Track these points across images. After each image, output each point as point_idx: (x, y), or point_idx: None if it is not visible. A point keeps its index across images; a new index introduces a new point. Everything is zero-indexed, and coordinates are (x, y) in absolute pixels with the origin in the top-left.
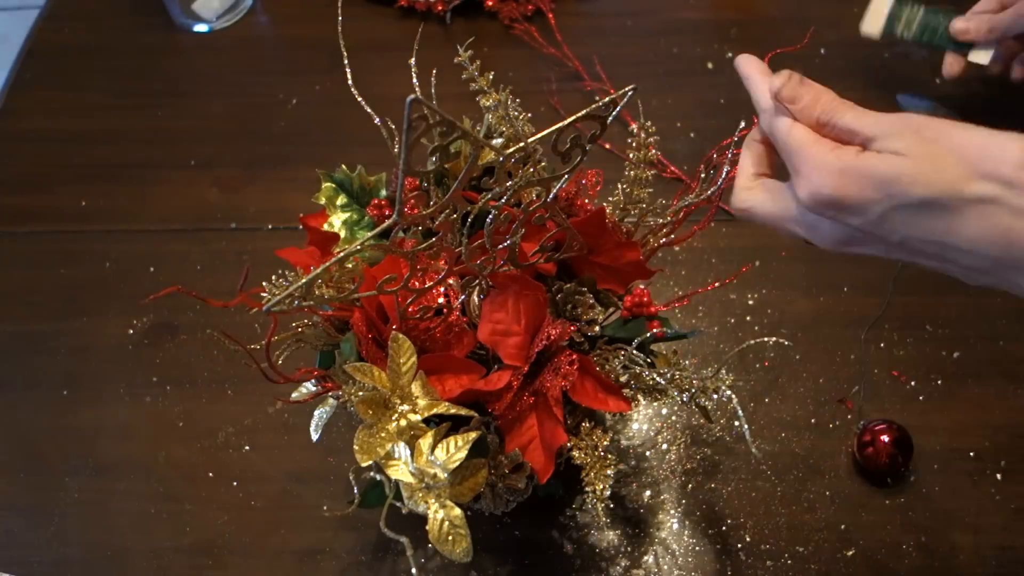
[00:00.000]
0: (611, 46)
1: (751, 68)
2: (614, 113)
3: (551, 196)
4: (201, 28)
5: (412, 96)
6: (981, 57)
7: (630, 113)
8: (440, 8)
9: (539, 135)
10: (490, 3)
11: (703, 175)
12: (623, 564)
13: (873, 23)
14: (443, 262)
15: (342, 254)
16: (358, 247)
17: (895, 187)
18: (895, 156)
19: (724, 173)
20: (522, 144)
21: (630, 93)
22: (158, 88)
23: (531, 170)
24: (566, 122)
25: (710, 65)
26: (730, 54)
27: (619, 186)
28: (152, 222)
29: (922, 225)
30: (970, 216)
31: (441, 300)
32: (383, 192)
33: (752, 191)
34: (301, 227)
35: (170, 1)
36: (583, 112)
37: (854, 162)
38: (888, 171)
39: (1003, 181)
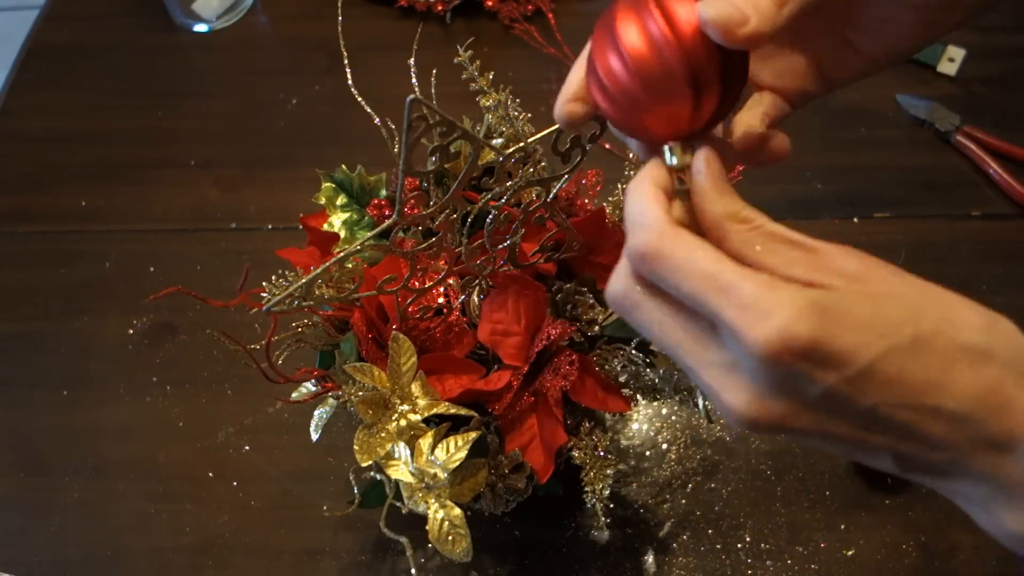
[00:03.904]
0: None
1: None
2: None
3: (551, 196)
4: (201, 28)
5: (412, 96)
6: None
7: None
8: (440, 8)
9: (539, 135)
10: (490, 3)
11: None
12: (623, 564)
13: None
14: (443, 262)
15: (342, 254)
16: (358, 247)
17: (887, 322)
18: (876, 286)
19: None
20: (522, 144)
21: None
22: (158, 88)
23: (531, 170)
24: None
25: None
26: None
27: (619, 186)
28: (152, 222)
29: (906, 375)
30: (962, 365)
31: (441, 300)
32: (383, 192)
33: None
34: (301, 227)
35: (170, 1)
36: None
37: (833, 296)
38: (880, 303)
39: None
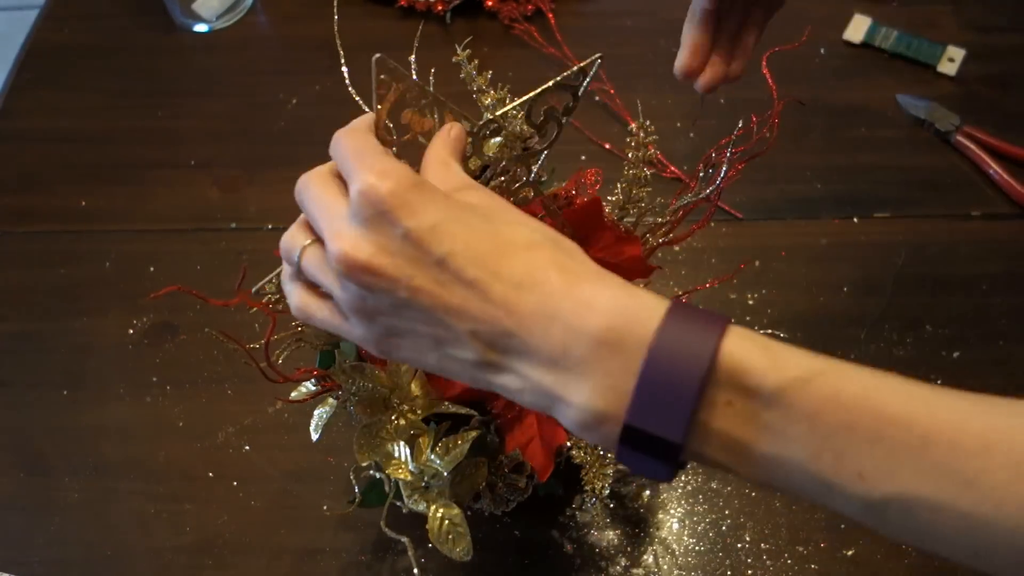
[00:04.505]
0: (611, 46)
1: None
2: (585, 83)
3: (532, 175)
4: (201, 28)
5: (378, 55)
6: None
7: (629, 112)
8: (440, 8)
9: (509, 105)
10: (490, 3)
11: (701, 174)
12: (623, 563)
13: (855, 33)
14: None
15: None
16: None
17: (464, 202)
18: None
19: (723, 172)
20: (492, 116)
21: (598, 62)
22: (158, 88)
23: (512, 149)
24: (536, 91)
25: None
26: None
27: (618, 185)
28: (152, 222)
29: (474, 239)
30: (517, 249)
31: None
32: None
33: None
34: None
35: (170, 1)
36: (552, 82)
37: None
38: (462, 196)
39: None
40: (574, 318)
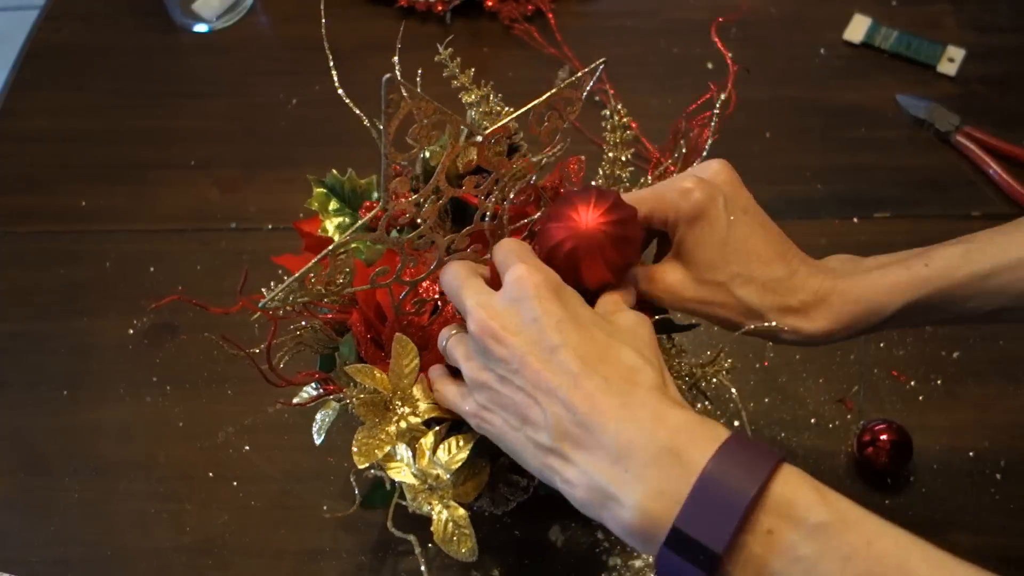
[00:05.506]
0: (611, 46)
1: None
2: (588, 87)
3: (534, 177)
4: (201, 28)
5: (387, 75)
6: None
7: (628, 112)
8: (440, 8)
9: (514, 114)
10: (490, 3)
11: (675, 145)
12: (623, 562)
13: (855, 33)
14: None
15: (331, 245)
16: (347, 237)
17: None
18: None
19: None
20: (500, 123)
21: (600, 68)
22: (158, 88)
23: (514, 162)
24: (539, 100)
25: (710, 65)
26: (730, 54)
27: (599, 171)
28: (152, 222)
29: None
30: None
31: (436, 297)
32: (375, 195)
33: None
34: None
35: (170, 1)
36: (554, 90)
37: None
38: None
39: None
40: (646, 425)
